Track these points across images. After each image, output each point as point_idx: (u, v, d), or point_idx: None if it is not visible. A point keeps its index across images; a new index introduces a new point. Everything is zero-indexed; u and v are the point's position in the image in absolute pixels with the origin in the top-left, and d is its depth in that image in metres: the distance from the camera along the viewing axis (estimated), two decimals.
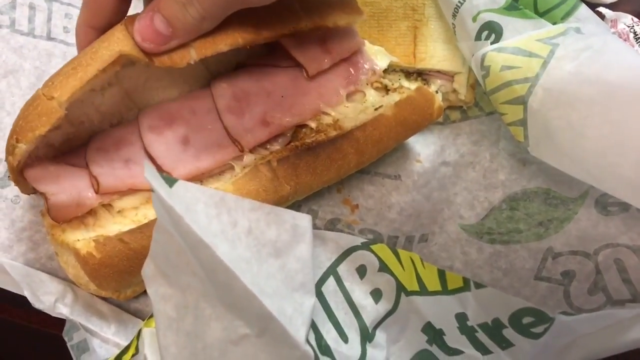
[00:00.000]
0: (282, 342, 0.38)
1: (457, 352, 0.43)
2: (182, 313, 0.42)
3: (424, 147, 0.60)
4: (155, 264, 0.41)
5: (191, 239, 0.36)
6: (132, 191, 0.47)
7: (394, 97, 0.53)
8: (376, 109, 0.51)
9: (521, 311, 0.40)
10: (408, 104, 0.52)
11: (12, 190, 0.55)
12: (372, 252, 0.43)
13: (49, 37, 0.60)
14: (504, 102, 0.52)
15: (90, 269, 0.45)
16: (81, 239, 0.46)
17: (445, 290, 0.42)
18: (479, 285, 0.41)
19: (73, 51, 0.60)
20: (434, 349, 0.44)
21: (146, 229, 0.44)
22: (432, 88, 0.59)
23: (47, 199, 0.45)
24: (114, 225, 0.47)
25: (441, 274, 0.41)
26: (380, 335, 0.44)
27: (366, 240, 0.43)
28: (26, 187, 0.47)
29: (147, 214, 0.47)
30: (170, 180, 0.37)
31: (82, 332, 0.50)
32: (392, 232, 0.57)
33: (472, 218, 0.56)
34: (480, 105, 0.61)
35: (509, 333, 0.41)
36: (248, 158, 0.49)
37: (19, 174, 0.46)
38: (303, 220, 0.39)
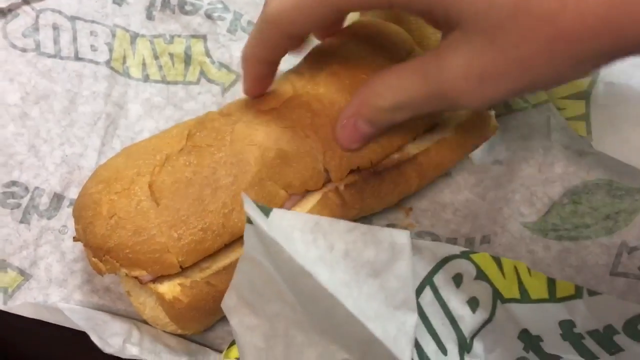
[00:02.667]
0: None
1: (555, 357, 0.43)
2: (272, 342, 0.40)
3: None
4: (238, 295, 0.40)
5: (290, 268, 0.35)
6: None
7: (450, 115, 0.52)
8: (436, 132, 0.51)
9: (638, 317, 0.40)
10: (469, 126, 0.51)
11: (59, 220, 0.52)
12: (471, 260, 0.42)
13: (77, 58, 0.57)
14: (563, 97, 0.51)
15: (176, 313, 0.43)
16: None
17: (552, 298, 0.41)
18: (592, 293, 0.40)
19: (103, 70, 0.57)
20: (531, 356, 0.43)
21: (231, 269, 0.43)
22: None
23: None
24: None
25: (550, 282, 0.40)
26: (477, 345, 0.43)
27: (466, 249, 0.41)
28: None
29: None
30: (266, 210, 0.35)
31: None
32: (451, 234, 0.56)
33: (533, 215, 0.55)
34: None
35: (620, 339, 0.40)
36: None
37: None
38: (401, 237, 0.37)
